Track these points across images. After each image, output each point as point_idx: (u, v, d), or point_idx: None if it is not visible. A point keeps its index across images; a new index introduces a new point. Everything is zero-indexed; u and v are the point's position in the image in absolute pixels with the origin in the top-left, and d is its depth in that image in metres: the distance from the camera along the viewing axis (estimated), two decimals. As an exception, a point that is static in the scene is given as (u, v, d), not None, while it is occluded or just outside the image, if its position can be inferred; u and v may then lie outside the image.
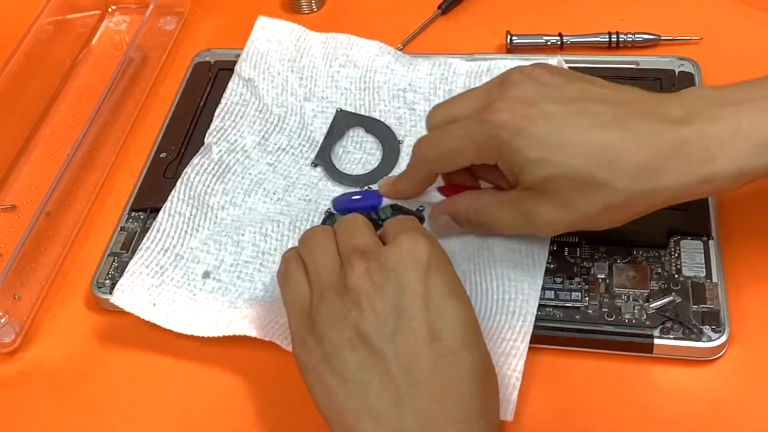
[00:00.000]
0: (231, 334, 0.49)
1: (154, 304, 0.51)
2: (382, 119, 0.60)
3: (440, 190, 0.51)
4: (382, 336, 0.40)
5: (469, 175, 0.50)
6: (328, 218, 0.55)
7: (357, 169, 0.58)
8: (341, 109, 0.60)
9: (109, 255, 0.55)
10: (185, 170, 0.57)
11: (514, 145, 0.44)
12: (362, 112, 0.61)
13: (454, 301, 0.42)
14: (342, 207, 0.54)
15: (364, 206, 0.53)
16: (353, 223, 0.46)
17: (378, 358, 0.40)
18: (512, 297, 0.49)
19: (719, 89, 0.44)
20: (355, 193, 0.55)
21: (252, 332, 0.49)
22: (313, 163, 0.58)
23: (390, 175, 0.55)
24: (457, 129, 0.47)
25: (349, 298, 0.42)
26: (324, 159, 0.58)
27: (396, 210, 0.54)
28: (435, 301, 0.41)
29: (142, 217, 0.57)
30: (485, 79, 0.60)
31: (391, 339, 0.40)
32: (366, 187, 0.57)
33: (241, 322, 0.50)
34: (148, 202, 0.57)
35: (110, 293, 0.52)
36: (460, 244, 0.52)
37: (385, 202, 0.52)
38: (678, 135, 0.42)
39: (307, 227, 0.54)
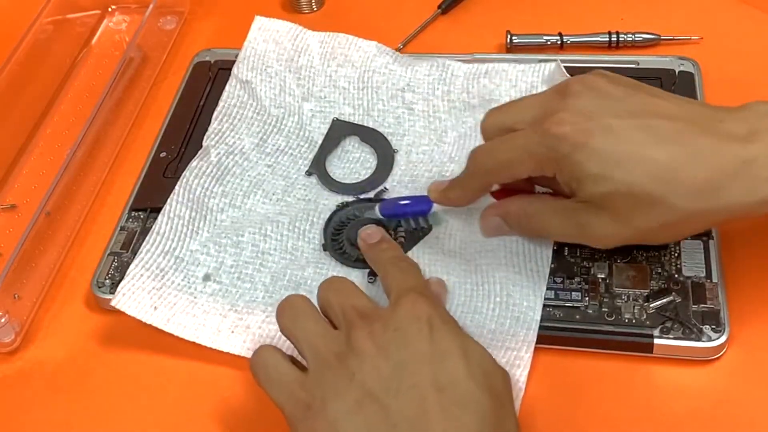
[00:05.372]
0: (232, 352, 0.49)
1: (155, 308, 0.51)
2: (380, 119, 0.60)
3: (493, 194, 0.50)
4: (388, 392, 0.40)
5: (525, 181, 0.49)
6: (333, 216, 0.55)
7: (351, 177, 0.58)
8: (337, 119, 0.60)
9: (109, 255, 0.55)
10: (183, 173, 0.57)
11: (573, 159, 0.43)
12: (360, 112, 0.61)
13: (457, 354, 0.41)
14: (390, 212, 0.53)
15: (413, 211, 0.52)
16: (345, 284, 0.46)
17: (385, 414, 0.39)
18: (516, 302, 0.49)
19: None
20: (403, 198, 0.54)
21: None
22: (307, 172, 0.58)
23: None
24: (515, 140, 0.46)
25: (353, 360, 0.41)
26: (318, 168, 0.58)
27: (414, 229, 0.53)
28: (438, 356, 0.40)
29: (142, 216, 0.57)
30: (483, 81, 0.60)
31: (395, 395, 0.39)
32: (362, 194, 0.56)
33: (243, 335, 0.50)
34: (148, 201, 0.57)
35: (110, 293, 0.52)
36: (461, 245, 0.52)
37: (436, 208, 0.52)
38: (740, 153, 0.42)
39: (307, 227, 0.54)
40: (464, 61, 0.61)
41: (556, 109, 0.44)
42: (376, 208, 0.54)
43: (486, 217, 0.51)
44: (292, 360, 0.44)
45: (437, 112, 0.60)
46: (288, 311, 0.45)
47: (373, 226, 0.52)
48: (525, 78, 0.59)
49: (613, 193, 0.43)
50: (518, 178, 0.47)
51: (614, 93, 0.45)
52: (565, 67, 0.58)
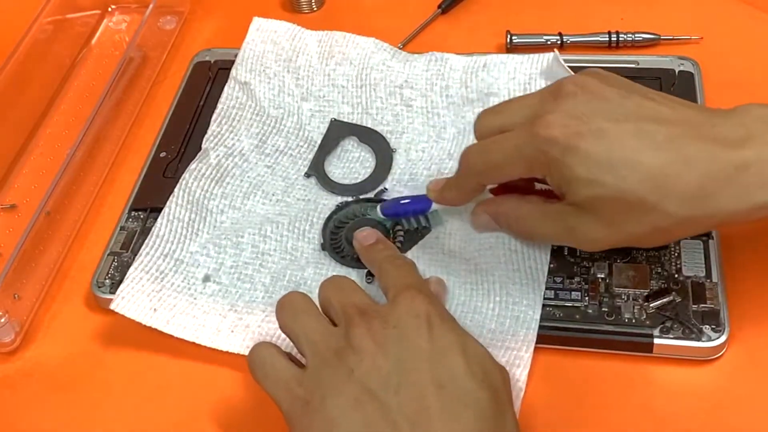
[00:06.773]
0: (231, 350, 0.49)
1: (154, 310, 0.51)
2: (378, 117, 0.60)
3: (492, 191, 0.50)
4: (387, 389, 0.40)
5: (523, 179, 0.49)
6: (332, 216, 0.55)
7: (350, 178, 0.58)
8: (335, 119, 0.60)
9: (109, 254, 0.55)
10: (183, 176, 0.57)
11: (564, 162, 0.43)
12: (359, 110, 0.61)
13: (456, 351, 0.41)
14: (391, 211, 0.53)
15: (414, 209, 0.52)
16: (346, 282, 0.46)
17: (384, 411, 0.39)
18: (516, 300, 0.49)
19: None
20: (403, 198, 0.54)
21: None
22: (306, 174, 0.58)
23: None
24: (506, 141, 0.46)
25: (352, 357, 0.41)
26: (317, 170, 0.58)
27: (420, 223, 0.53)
28: (437, 353, 0.41)
29: (142, 216, 0.57)
30: (482, 75, 0.60)
31: (395, 392, 0.39)
32: (362, 195, 0.56)
33: (242, 334, 0.50)
34: (148, 201, 0.57)
35: (110, 293, 0.52)
36: (460, 245, 0.52)
37: (435, 206, 0.51)
38: (733, 159, 0.41)
39: (307, 227, 0.54)
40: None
41: (548, 110, 0.44)
42: (378, 208, 0.53)
43: (477, 214, 0.51)
44: (290, 357, 0.44)
45: (436, 108, 0.60)
46: (288, 308, 0.45)
47: (368, 228, 0.52)
48: (523, 70, 0.59)
49: (603, 197, 0.43)
50: (510, 179, 0.47)
51: (608, 95, 0.44)
52: (565, 67, 0.58)
